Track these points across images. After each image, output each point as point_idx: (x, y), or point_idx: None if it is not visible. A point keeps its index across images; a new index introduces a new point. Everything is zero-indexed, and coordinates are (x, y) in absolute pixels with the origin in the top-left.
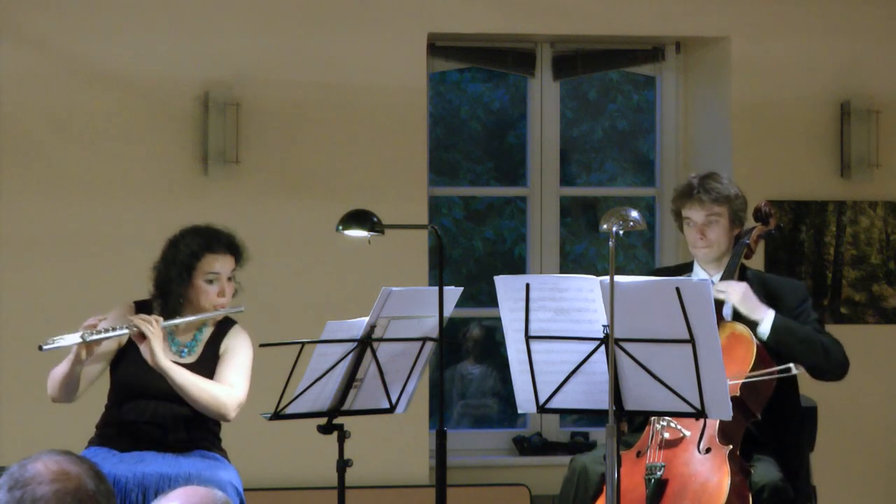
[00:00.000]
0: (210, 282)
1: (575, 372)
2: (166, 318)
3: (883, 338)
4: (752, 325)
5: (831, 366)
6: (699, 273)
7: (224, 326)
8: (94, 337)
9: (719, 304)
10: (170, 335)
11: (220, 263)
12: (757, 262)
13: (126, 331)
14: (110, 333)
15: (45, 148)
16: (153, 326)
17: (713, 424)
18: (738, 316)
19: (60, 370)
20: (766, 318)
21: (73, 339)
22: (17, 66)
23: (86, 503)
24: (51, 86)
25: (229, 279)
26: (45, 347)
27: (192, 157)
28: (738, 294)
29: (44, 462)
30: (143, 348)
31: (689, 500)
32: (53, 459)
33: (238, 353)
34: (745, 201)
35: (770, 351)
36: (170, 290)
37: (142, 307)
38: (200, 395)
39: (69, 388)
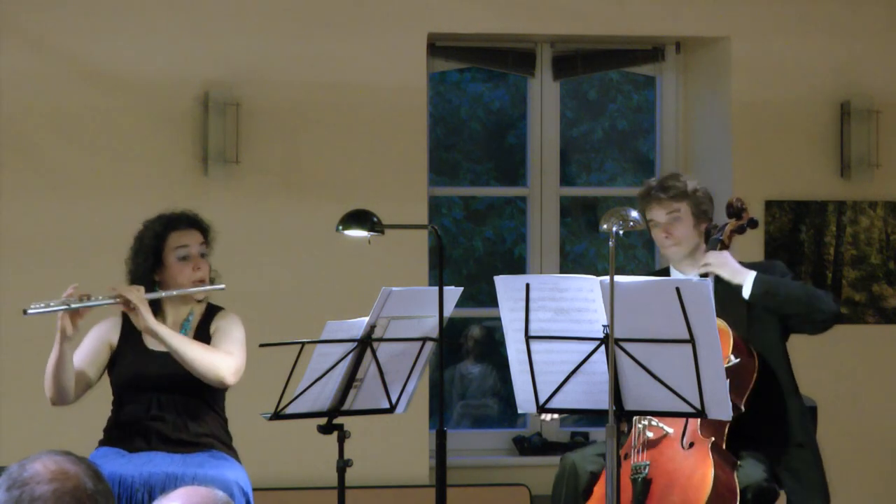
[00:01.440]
0: (182, 258)
1: (575, 372)
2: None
3: (883, 338)
4: (738, 288)
5: (821, 310)
6: (675, 275)
7: (212, 311)
8: (79, 304)
9: None
10: None
11: (188, 237)
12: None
13: (111, 300)
14: (94, 302)
15: (45, 148)
16: (136, 293)
17: (695, 419)
18: (718, 309)
19: (51, 359)
20: (747, 279)
21: (58, 305)
22: (17, 66)
23: (84, 502)
24: (51, 86)
25: (202, 255)
26: (29, 311)
27: (192, 157)
28: (720, 260)
29: (42, 462)
30: (132, 317)
31: (677, 496)
32: (52, 459)
33: (231, 330)
34: (706, 195)
35: (758, 322)
36: (145, 280)
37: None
38: (196, 356)
39: (62, 378)
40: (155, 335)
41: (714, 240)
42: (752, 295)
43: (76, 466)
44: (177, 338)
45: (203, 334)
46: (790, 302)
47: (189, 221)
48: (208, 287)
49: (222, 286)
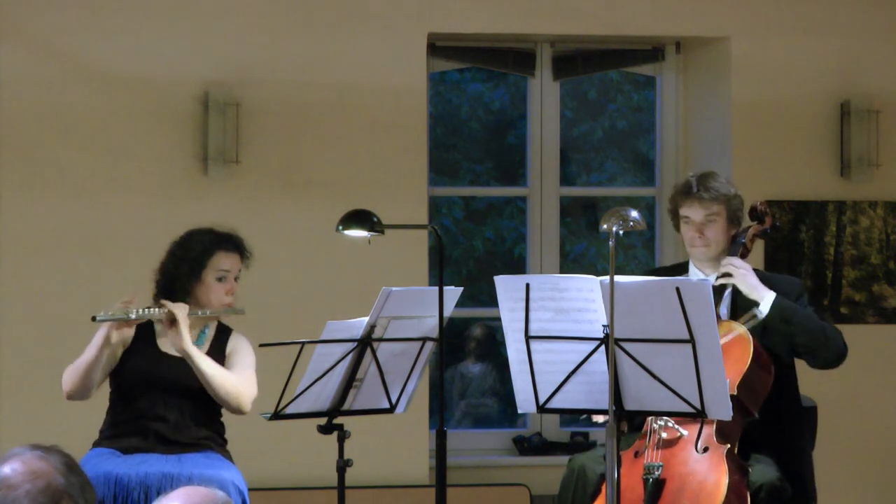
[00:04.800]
0: (220, 279)
1: (575, 372)
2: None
3: (883, 338)
4: (752, 304)
5: (829, 348)
6: (695, 273)
7: (225, 331)
8: (137, 316)
9: (716, 303)
10: None
11: (230, 261)
12: (757, 262)
13: (163, 311)
14: (150, 313)
15: (45, 148)
16: (183, 312)
17: (710, 424)
18: (734, 315)
19: (85, 359)
20: (766, 297)
21: (118, 314)
22: (17, 66)
23: (58, 498)
24: (51, 86)
25: (235, 279)
26: (98, 317)
27: (192, 157)
28: (740, 273)
29: (11, 464)
30: (170, 333)
31: (688, 500)
32: (21, 460)
33: (246, 355)
34: (742, 201)
35: (769, 336)
36: (177, 287)
37: None
38: (223, 384)
39: (91, 377)
40: (189, 357)
41: (737, 243)
42: (768, 316)
43: (45, 463)
44: (207, 362)
45: (217, 352)
46: (802, 333)
47: (235, 244)
48: (231, 310)
49: (242, 310)
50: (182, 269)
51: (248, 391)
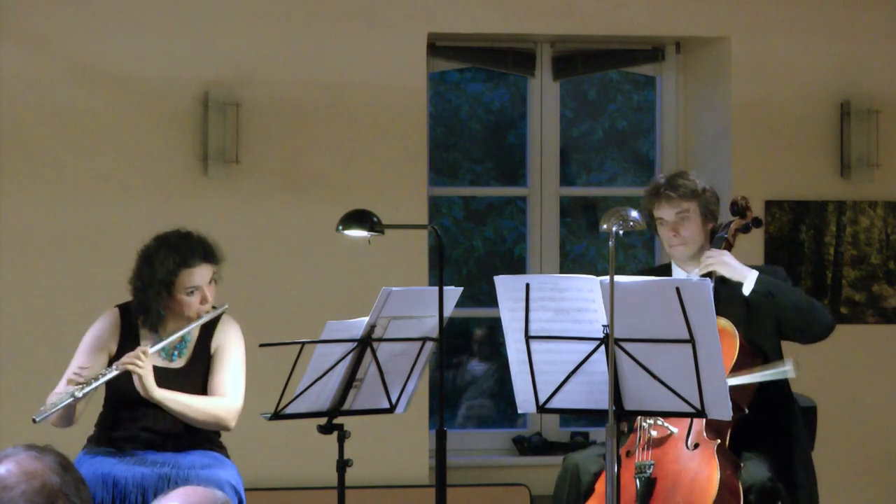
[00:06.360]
0: (191, 293)
1: (575, 372)
2: (150, 329)
3: (883, 338)
4: (738, 288)
5: (817, 319)
6: (678, 273)
7: (211, 324)
8: (86, 391)
9: None
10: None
11: (199, 275)
12: (757, 262)
13: (115, 372)
14: (100, 381)
15: (45, 148)
16: (141, 361)
17: (700, 420)
18: (717, 309)
19: (54, 415)
20: (749, 276)
21: (64, 399)
22: (17, 66)
23: (53, 498)
24: (51, 86)
25: (213, 281)
26: (38, 419)
27: (192, 157)
28: (720, 259)
29: (6, 465)
30: (136, 382)
31: (681, 497)
32: (15, 460)
33: (230, 354)
34: (714, 195)
35: (756, 320)
36: (150, 308)
37: (125, 312)
38: (197, 417)
39: (67, 419)
40: (157, 402)
41: (719, 238)
42: (752, 292)
43: (40, 462)
44: (177, 402)
45: (202, 352)
46: (789, 307)
47: (202, 255)
48: (209, 315)
49: (224, 307)
50: (151, 293)
51: (225, 408)
